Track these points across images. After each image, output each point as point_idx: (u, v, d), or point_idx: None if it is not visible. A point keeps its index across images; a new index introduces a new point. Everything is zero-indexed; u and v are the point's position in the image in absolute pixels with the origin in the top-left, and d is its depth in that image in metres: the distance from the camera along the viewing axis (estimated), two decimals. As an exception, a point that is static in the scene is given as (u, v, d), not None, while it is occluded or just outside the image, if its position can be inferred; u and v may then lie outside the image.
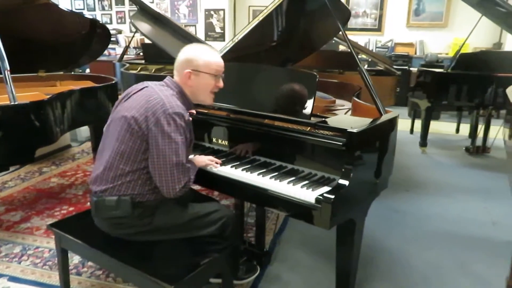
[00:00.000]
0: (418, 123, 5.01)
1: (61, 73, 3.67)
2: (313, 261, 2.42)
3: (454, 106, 4.76)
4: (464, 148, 4.77)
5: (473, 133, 4.87)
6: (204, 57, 1.72)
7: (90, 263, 2.30)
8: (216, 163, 1.88)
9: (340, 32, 3.05)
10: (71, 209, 3.03)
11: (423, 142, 4.70)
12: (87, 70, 6.55)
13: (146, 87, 1.70)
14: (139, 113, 1.59)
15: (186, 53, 1.74)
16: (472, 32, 4.38)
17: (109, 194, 1.63)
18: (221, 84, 1.78)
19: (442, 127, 5.85)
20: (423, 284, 2.23)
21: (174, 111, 1.58)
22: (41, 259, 2.37)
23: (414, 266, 2.40)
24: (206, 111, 2.13)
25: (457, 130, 5.54)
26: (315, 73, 1.86)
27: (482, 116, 4.66)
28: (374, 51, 6.91)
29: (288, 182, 1.70)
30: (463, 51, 4.47)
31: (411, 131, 5.41)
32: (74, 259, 2.32)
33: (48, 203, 3.12)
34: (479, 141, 4.72)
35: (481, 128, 4.70)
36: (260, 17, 2.31)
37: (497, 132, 4.44)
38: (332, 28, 2.99)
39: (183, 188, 1.61)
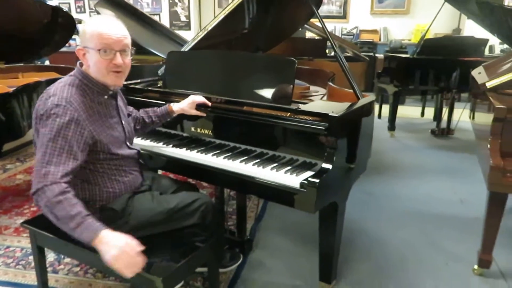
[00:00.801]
0: (385, 108, 5.15)
1: (22, 64, 3.50)
2: (294, 246, 2.45)
3: (420, 90, 4.91)
4: (430, 131, 4.95)
5: (438, 116, 5.06)
6: (92, 28, 1.45)
7: (66, 260, 2.23)
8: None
9: (312, 19, 3.09)
10: (41, 206, 2.91)
11: (391, 126, 4.83)
12: (46, 62, 6.25)
13: None
14: (36, 109, 1.47)
15: (82, 27, 1.49)
16: (435, 18, 4.52)
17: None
18: (117, 61, 1.48)
19: (408, 111, 6.04)
20: (400, 262, 2.31)
21: (54, 103, 1.40)
22: (13, 259, 2.27)
23: (390, 245, 2.47)
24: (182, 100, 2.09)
25: (422, 114, 5.73)
26: (293, 59, 1.86)
27: (446, 99, 4.84)
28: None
29: (271, 168, 1.70)
30: (426, 37, 4.61)
31: (379, 116, 5.55)
32: (49, 256, 2.23)
33: (15, 201, 2.98)
34: (443, 124, 4.91)
35: (445, 111, 4.89)
36: (232, 5, 2.28)
37: (460, 114, 4.63)
38: (302, 15, 2.99)
39: (33, 194, 1.33)
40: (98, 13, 4.05)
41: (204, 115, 1.93)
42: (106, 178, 1.59)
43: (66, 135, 1.40)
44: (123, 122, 1.69)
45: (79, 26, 8.49)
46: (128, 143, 1.70)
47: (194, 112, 1.92)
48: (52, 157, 1.37)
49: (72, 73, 1.56)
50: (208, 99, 1.95)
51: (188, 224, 1.66)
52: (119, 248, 1.26)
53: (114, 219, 1.56)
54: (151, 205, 1.63)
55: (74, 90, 1.49)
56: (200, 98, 1.92)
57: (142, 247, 1.31)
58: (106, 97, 1.60)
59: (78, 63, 1.56)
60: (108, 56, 1.48)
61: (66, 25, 3.33)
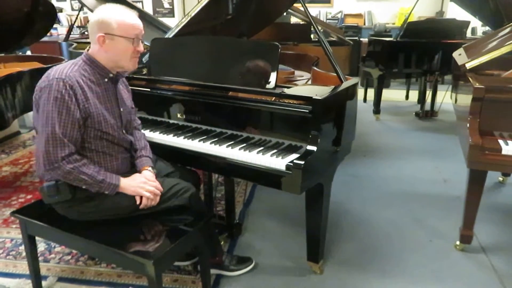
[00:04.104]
0: (370, 92, 5.20)
1: (3, 55, 3.44)
2: (282, 229, 2.50)
3: (404, 73, 4.97)
4: (414, 113, 5.04)
5: (421, 99, 5.13)
6: (119, 18, 1.56)
7: (57, 249, 2.25)
8: (150, 189, 1.64)
9: (296, 4, 3.09)
10: (29, 197, 2.91)
11: (377, 110, 4.90)
12: (28, 52, 6.13)
13: None
14: (37, 87, 1.57)
15: (99, 14, 1.57)
16: (417, 2, 4.56)
17: (47, 180, 1.61)
18: (141, 48, 1.65)
19: (393, 94, 6.11)
20: (385, 240, 2.38)
21: (53, 77, 1.50)
22: (4, 250, 2.28)
23: (376, 225, 2.54)
24: (168, 87, 2.10)
25: (407, 97, 5.80)
26: (277, 44, 1.88)
27: (429, 82, 4.92)
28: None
29: (258, 152, 1.73)
30: (409, 20, 4.65)
31: (364, 99, 5.60)
32: (40, 246, 2.24)
33: (2, 193, 2.97)
34: (427, 106, 4.99)
35: (428, 94, 4.97)
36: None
37: (443, 96, 4.71)
38: (286, 0, 2.99)
39: (61, 166, 1.49)
40: (80, 1, 3.99)
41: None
42: (94, 158, 1.62)
43: (69, 104, 1.50)
44: (121, 108, 1.71)
45: (60, 15, 8.33)
46: (123, 130, 1.73)
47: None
48: (60, 126, 1.49)
49: (79, 57, 1.65)
50: (193, 85, 1.96)
51: (167, 207, 1.71)
52: (135, 188, 1.62)
53: (84, 201, 1.61)
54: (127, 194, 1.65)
55: (76, 68, 1.58)
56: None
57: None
58: (106, 80, 1.66)
59: (86, 50, 1.65)
60: (136, 44, 1.61)
61: (46, 14, 3.28)
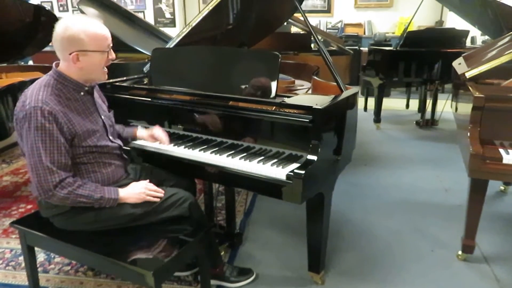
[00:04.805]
0: (370, 101, 5.21)
1: (5, 65, 3.45)
2: (283, 239, 2.48)
3: (404, 82, 4.98)
4: (414, 122, 5.04)
5: (422, 108, 5.14)
6: (90, 32, 1.51)
7: (56, 260, 2.23)
8: (152, 194, 1.69)
9: (296, 13, 3.12)
10: (29, 207, 2.90)
11: (377, 119, 4.90)
12: (30, 62, 6.16)
13: None
14: (15, 113, 1.55)
15: (67, 30, 1.49)
16: (416, 11, 4.59)
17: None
18: (113, 55, 1.62)
19: (393, 103, 6.12)
20: (386, 250, 2.36)
21: (31, 106, 1.46)
22: (3, 260, 2.27)
23: (377, 234, 2.53)
24: (168, 97, 2.11)
25: (407, 106, 5.81)
26: (277, 53, 1.89)
27: (430, 91, 4.93)
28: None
29: (258, 162, 1.73)
30: (408, 29, 4.68)
31: (365, 108, 5.61)
32: (39, 257, 2.23)
33: (2, 203, 2.96)
34: (428, 115, 4.99)
35: (429, 103, 4.97)
36: (216, 0, 2.28)
37: (443, 105, 4.72)
38: (287, 9, 3.02)
39: (56, 193, 1.49)
40: (81, 11, 4.01)
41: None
42: (84, 171, 1.63)
43: (51, 130, 1.48)
44: (102, 116, 1.72)
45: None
46: (110, 137, 1.73)
47: (151, 140, 1.97)
48: (47, 155, 1.47)
49: (48, 73, 1.60)
50: (194, 94, 1.96)
51: (165, 218, 1.71)
52: (137, 195, 1.65)
53: (83, 211, 1.61)
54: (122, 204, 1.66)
55: (50, 90, 1.54)
56: (160, 134, 1.94)
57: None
58: (82, 93, 1.64)
59: (54, 63, 1.61)
60: (108, 54, 1.60)
61: (48, 24, 3.29)
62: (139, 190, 1.66)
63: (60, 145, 1.50)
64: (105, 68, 1.62)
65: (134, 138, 2.01)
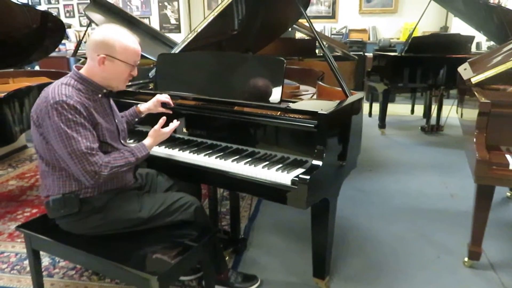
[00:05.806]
0: (375, 106, 5.20)
1: (12, 70, 3.49)
2: (288, 244, 2.47)
3: (409, 87, 4.97)
4: (419, 128, 5.02)
5: (427, 113, 5.12)
6: (123, 42, 1.58)
7: (61, 264, 2.24)
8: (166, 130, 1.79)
9: (301, 19, 3.12)
10: (34, 211, 2.91)
11: (382, 124, 4.89)
12: (36, 67, 6.22)
13: None
14: (34, 110, 1.58)
15: (103, 34, 1.58)
16: (421, 17, 4.59)
17: (52, 194, 1.62)
18: (135, 73, 1.68)
19: (398, 109, 6.10)
20: (391, 256, 2.34)
21: (55, 100, 1.50)
22: (8, 264, 2.27)
23: (382, 240, 2.51)
24: (174, 102, 2.11)
25: (412, 111, 5.79)
26: (283, 58, 1.89)
27: (435, 96, 4.91)
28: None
29: (263, 167, 1.73)
30: (413, 35, 4.67)
31: (370, 114, 5.59)
32: (44, 261, 2.24)
33: (8, 207, 2.98)
34: (433, 121, 4.97)
35: (434, 108, 4.96)
36: (221, 6, 2.30)
37: (449, 111, 4.70)
38: (291, 15, 3.02)
39: (101, 173, 1.53)
40: (88, 17, 4.05)
41: (170, 112, 1.97)
42: None
43: (78, 119, 1.52)
44: (116, 120, 1.75)
45: (68, 31, 8.46)
46: (122, 141, 1.76)
47: (161, 109, 1.98)
48: (82, 141, 1.50)
49: (68, 74, 1.64)
50: (199, 99, 1.97)
51: (170, 223, 1.72)
52: (154, 138, 1.76)
53: (91, 213, 1.62)
54: (133, 206, 1.68)
55: (70, 88, 1.57)
56: (163, 97, 1.97)
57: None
58: (100, 95, 1.67)
59: (74, 66, 1.65)
60: (132, 69, 1.66)
61: (55, 30, 3.33)
62: (156, 133, 1.75)
63: (90, 131, 1.55)
64: (126, 82, 1.69)
65: (139, 115, 2.01)
